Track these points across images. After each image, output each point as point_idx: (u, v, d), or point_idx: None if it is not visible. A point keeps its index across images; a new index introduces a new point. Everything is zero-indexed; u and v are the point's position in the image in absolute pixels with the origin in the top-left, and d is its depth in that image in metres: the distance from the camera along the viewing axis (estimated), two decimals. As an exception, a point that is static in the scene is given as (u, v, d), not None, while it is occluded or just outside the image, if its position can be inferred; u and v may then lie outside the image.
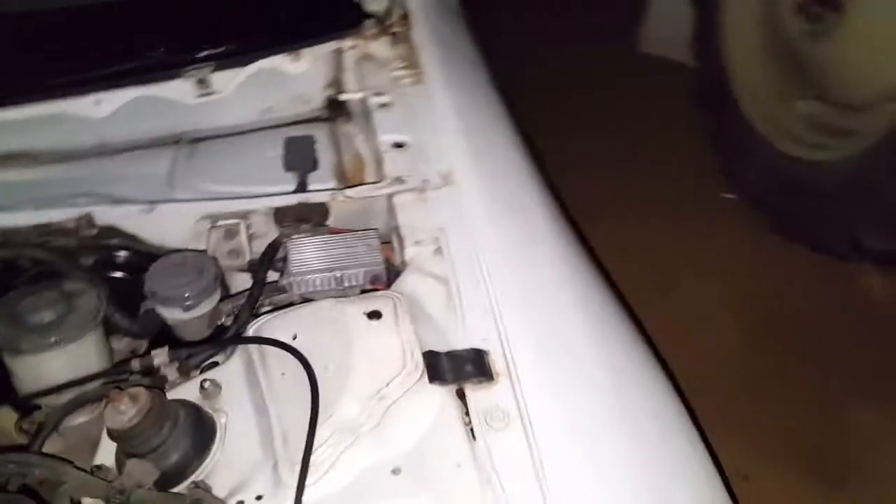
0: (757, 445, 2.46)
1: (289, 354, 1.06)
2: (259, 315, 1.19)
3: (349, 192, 1.39)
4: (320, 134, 1.69)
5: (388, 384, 1.02)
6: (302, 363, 1.03)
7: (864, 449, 2.56)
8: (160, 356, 1.11)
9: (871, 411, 2.63)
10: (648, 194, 3.39)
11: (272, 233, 1.36)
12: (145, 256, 1.30)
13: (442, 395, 1.03)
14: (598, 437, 1.04)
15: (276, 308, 1.21)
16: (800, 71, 3.12)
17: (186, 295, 1.18)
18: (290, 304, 1.23)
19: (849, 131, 2.91)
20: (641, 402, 1.14)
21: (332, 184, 1.55)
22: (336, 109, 1.80)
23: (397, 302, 1.12)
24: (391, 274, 1.27)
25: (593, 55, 4.11)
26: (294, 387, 1.03)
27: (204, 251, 1.30)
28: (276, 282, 1.29)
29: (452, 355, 1.07)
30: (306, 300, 1.23)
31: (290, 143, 1.55)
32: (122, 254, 1.33)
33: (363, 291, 1.25)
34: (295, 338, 1.09)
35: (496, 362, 1.08)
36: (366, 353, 1.05)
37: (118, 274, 1.34)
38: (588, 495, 0.97)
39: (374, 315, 1.09)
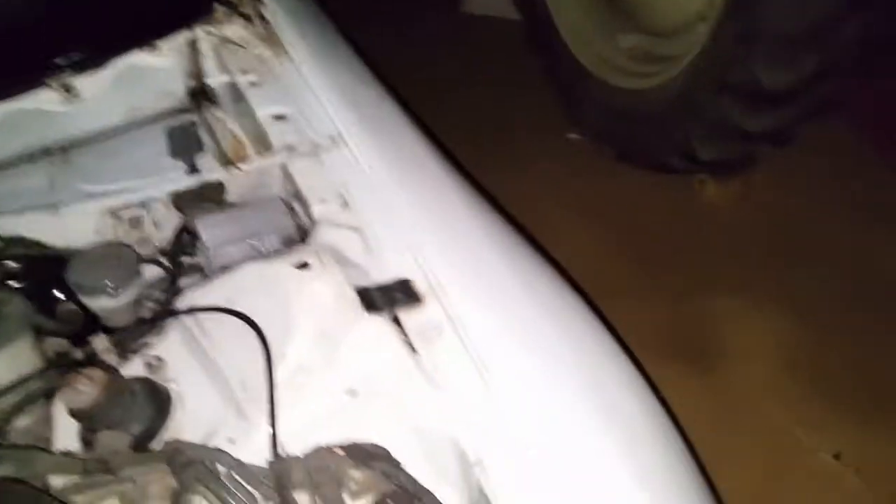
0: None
1: (227, 317, 1.13)
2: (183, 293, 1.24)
3: (244, 166, 1.44)
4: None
5: (330, 322, 1.11)
6: (242, 318, 1.10)
7: (722, 331, 2.87)
8: (100, 342, 1.14)
9: (723, 297, 2.94)
10: (500, 144, 3.57)
11: (174, 218, 1.40)
12: (51, 261, 1.31)
13: (380, 323, 1.13)
14: (523, 328, 1.17)
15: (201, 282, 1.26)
16: (617, 7, 3.39)
17: (111, 282, 1.21)
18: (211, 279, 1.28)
19: (668, 56, 3.19)
20: (548, 293, 1.28)
21: (216, 164, 1.59)
22: (201, 97, 1.83)
23: (320, 252, 1.20)
24: (303, 234, 1.35)
25: (419, 20, 4.26)
26: (240, 343, 1.10)
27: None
28: (191, 262, 1.34)
29: (382, 288, 1.17)
30: (224, 270, 1.29)
31: (173, 131, 1.58)
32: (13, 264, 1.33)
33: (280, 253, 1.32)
34: (230, 301, 1.16)
35: (420, 286, 1.19)
36: (303, 300, 1.13)
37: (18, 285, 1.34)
38: (523, 378, 1.10)
39: (303, 266, 1.17)
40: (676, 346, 2.78)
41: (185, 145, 1.54)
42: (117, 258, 1.24)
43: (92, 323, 1.25)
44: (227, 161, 1.63)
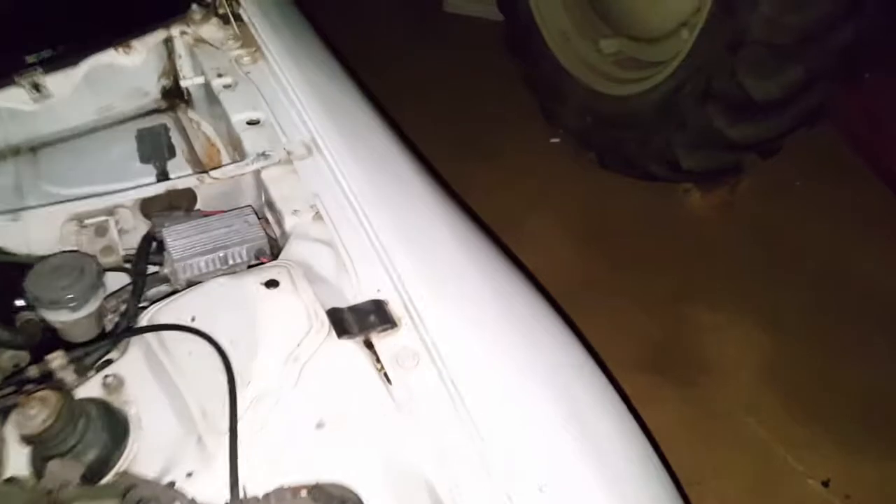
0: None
1: (191, 336, 1.08)
2: (147, 306, 1.19)
3: (215, 173, 1.39)
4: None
5: (298, 345, 1.06)
6: (206, 339, 1.05)
7: (703, 343, 2.84)
8: (57, 359, 1.09)
9: (704, 309, 2.91)
10: (479, 149, 3.53)
11: (142, 226, 1.35)
12: (13, 269, 1.25)
13: (352, 348, 1.09)
14: (501, 355, 1.13)
15: (164, 297, 1.21)
16: (600, 11, 3.35)
17: (71, 295, 1.15)
18: (177, 292, 1.23)
19: (652, 63, 3.16)
20: (525, 313, 1.24)
21: (187, 170, 1.54)
22: (175, 98, 1.78)
23: (290, 269, 1.16)
24: (274, 247, 1.30)
25: (400, 18, 4.21)
26: (203, 365, 1.05)
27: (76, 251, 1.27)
28: (157, 272, 1.29)
29: (354, 309, 1.13)
30: (193, 285, 1.24)
31: (143, 135, 1.52)
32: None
33: (250, 267, 1.27)
34: (193, 320, 1.11)
35: (396, 309, 1.14)
36: (271, 321, 1.08)
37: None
38: (500, 411, 1.06)
39: (272, 284, 1.12)
40: (656, 358, 2.75)
41: (155, 149, 1.49)
42: (79, 269, 1.18)
43: (51, 337, 1.20)
44: (199, 166, 1.59)
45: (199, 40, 1.72)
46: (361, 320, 1.11)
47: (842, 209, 3.23)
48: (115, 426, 1.02)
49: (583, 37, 3.46)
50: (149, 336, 1.11)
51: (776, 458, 2.46)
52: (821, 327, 2.82)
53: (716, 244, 3.17)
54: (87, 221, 1.30)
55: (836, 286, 2.97)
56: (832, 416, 2.56)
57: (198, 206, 1.39)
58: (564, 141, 3.57)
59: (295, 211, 1.31)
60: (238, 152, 1.49)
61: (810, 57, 2.62)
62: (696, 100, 2.87)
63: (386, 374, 1.07)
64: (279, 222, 1.32)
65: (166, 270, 1.27)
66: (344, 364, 1.07)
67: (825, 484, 2.39)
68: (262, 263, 1.26)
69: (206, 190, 1.39)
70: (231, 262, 1.27)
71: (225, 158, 1.62)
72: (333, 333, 1.09)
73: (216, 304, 1.12)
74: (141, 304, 1.22)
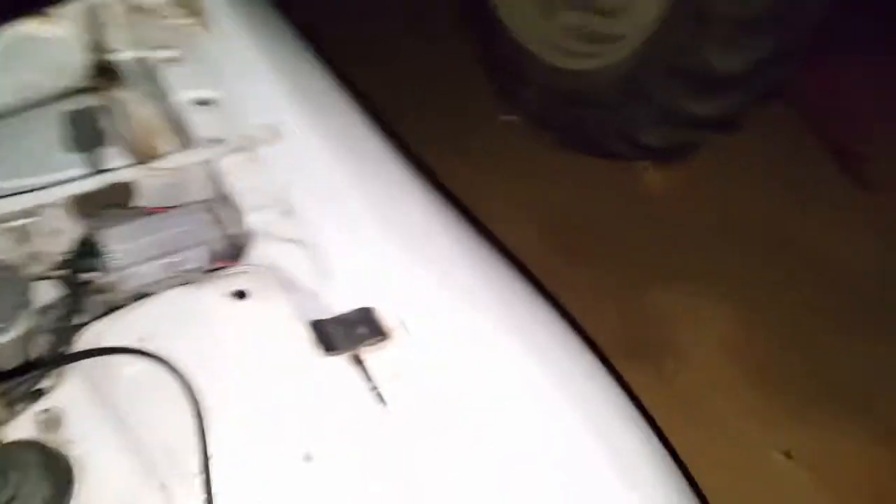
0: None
1: (141, 360, 0.90)
2: (85, 324, 1.00)
3: (160, 163, 1.20)
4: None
5: (276, 366, 0.89)
6: (161, 363, 0.87)
7: (666, 324, 2.76)
8: (-22, 395, 0.89)
9: (665, 289, 2.83)
10: (430, 126, 3.35)
11: (74, 227, 1.14)
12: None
13: (339, 366, 0.92)
14: (509, 364, 0.97)
15: (107, 312, 1.01)
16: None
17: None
18: (121, 307, 1.04)
19: (614, 36, 3.04)
20: (530, 316, 1.09)
21: (124, 160, 1.33)
22: (105, 76, 1.56)
23: (259, 275, 0.98)
24: (235, 249, 1.12)
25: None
26: (160, 394, 0.87)
27: (-4, 262, 1.06)
28: (93, 283, 1.09)
29: (339, 320, 0.96)
30: (141, 297, 1.05)
31: (70, 119, 1.31)
32: None
33: (207, 273, 1.08)
34: (142, 340, 0.92)
35: (386, 317, 0.98)
36: (241, 339, 0.91)
37: None
38: (516, 428, 0.91)
39: (239, 294, 0.95)
40: (619, 340, 2.65)
41: (86, 135, 1.28)
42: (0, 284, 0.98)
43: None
44: (136, 155, 1.38)
45: (134, 8, 1.50)
46: (348, 333, 0.94)
47: (796, 185, 3.19)
48: (57, 474, 0.83)
49: (540, 9, 3.30)
50: (90, 361, 0.92)
51: (740, 433, 2.42)
52: (782, 301, 2.78)
53: (675, 222, 3.09)
54: (5, 225, 1.09)
55: (794, 260, 2.93)
56: (795, 389, 2.53)
57: (140, 202, 1.19)
58: (520, 119, 3.43)
59: (259, 206, 1.12)
60: (184, 139, 1.30)
61: (779, 32, 2.54)
62: (660, 75, 2.77)
63: (379, 394, 0.91)
64: (240, 220, 1.13)
65: (108, 280, 1.07)
66: (331, 385, 0.90)
67: (788, 456, 2.35)
68: (221, 268, 1.08)
69: (149, 183, 1.19)
70: (186, 267, 1.08)
71: (164, 143, 1.42)
72: (317, 350, 0.92)
73: (172, 320, 0.94)
74: (78, 322, 1.03)
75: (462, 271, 1.09)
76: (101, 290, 1.07)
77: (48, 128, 1.39)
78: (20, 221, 1.10)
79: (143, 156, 1.39)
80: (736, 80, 2.64)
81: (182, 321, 0.93)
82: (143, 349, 0.90)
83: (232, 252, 1.11)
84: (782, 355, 2.63)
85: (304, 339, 0.91)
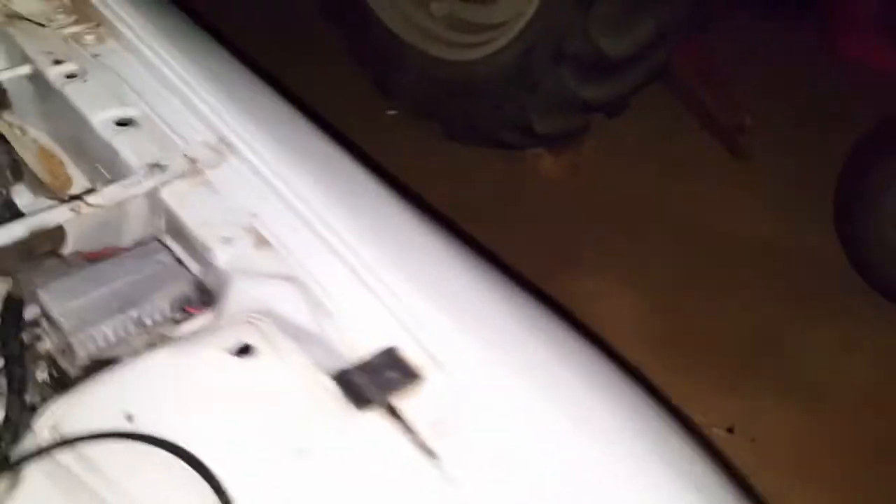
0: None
1: (127, 445, 0.73)
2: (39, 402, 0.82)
3: (93, 198, 1.00)
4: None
5: (305, 433, 0.75)
6: (177, 454, 0.71)
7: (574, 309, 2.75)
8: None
9: (573, 277, 2.80)
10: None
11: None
12: None
13: (375, 421, 0.79)
14: (552, 387, 0.87)
15: (68, 386, 0.83)
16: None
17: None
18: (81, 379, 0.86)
19: (493, 25, 2.99)
20: (545, 324, 0.99)
21: (38, 199, 1.13)
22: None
23: (259, 324, 0.83)
24: (203, 292, 0.95)
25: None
26: (162, 484, 0.71)
27: None
28: (31, 349, 0.90)
29: (365, 368, 0.82)
30: (104, 364, 0.87)
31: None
32: None
33: (177, 324, 0.92)
34: (131, 419, 0.76)
35: (411, 353, 0.85)
36: (259, 406, 0.76)
37: None
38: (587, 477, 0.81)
39: (244, 351, 0.80)
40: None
41: (-10, 174, 1.06)
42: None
43: None
44: (42, 190, 1.17)
45: (12, 15, 1.28)
46: (377, 381, 0.81)
47: (679, 161, 3.27)
48: None
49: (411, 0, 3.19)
50: (60, 455, 0.75)
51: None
52: (687, 277, 2.84)
53: (573, 207, 3.09)
54: None
55: (692, 235, 3.00)
56: (719, 363, 2.58)
57: (69, 250, 1.00)
58: (403, 113, 3.32)
59: (226, 239, 0.96)
60: (107, 168, 1.10)
61: (661, 12, 2.58)
62: (548, 62, 2.74)
63: (427, 447, 0.79)
64: (203, 258, 0.97)
65: (55, 348, 0.88)
66: (372, 446, 0.77)
67: (730, 431, 2.39)
68: (189, 315, 0.92)
69: (78, 224, 1.00)
70: (150, 321, 0.91)
71: (75, 174, 1.22)
72: (351, 406, 0.78)
73: (163, 390, 0.78)
74: (30, 402, 0.84)
75: (470, 288, 0.98)
76: (51, 360, 0.88)
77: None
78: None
79: (54, 192, 1.18)
80: (624, 61, 2.66)
81: (178, 391, 0.77)
82: (157, 437, 0.73)
83: (202, 297, 0.95)
84: (701, 331, 2.66)
85: (334, 397, 0.78)
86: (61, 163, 1.23)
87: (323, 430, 0.75)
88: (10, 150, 1.14)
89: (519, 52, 2.82)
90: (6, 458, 0.77)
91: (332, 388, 0.78)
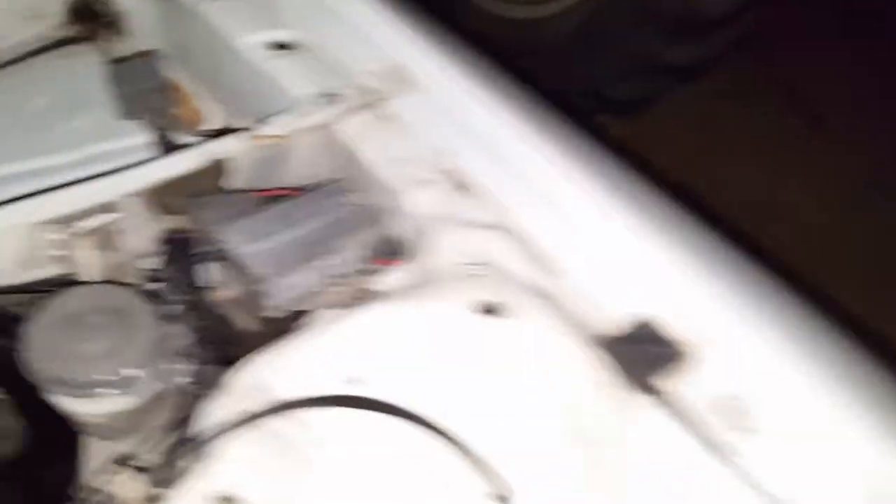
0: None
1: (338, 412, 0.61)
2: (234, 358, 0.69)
3: (264, 130, 0.86)
4: (86, 61, 1.10)
5: (577, 410, 0.62)
6: (420, 423, 0.59)
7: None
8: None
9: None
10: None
11: (148, 225, 0.80)
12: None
13: (649, 406, 0.65)
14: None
15: (264, 340, 0.70)
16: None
17: (117, 366, 0.63)
18: (280, 333, 0.73)
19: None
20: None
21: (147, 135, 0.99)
22: (91, 21, 1.18)
23: (498, 280, 0.70)
24: (391, 242, 0.82)
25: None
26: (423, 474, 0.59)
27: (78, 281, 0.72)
28: (203, 297, 0.77)
29: (627, 339, 0.69)
30: (298, 316, 0.74)
31: (120, 74, 0.94)
32: None
33: (364, 275, 0.78)
34: (351, 382, 0.63)
35: (671, 325, 0.71)
36: (514, 373, 0.64)
37: None
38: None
39: (489, 310, 0.67)
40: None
41: (142, 98, 0.92)
42: (117, 315, 0.65)
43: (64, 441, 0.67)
44: (185, 124, 1.04)
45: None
46: (645, 359, 0.68)
47: (758, 134, 3.12)
48: None
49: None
50: (276, 421, 0.62)
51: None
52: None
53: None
54: (77, 225, 0.74)
55: (767, 213, 2.86)
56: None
57: (232, 186, 0.87)
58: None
59: (419, 181, 0.83)
60: (253, 100, 0.97)
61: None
62: (631, 22, 2.58)
63: (708, 437, 0.65)
64: (390, 201, 0.83)
65: (241, 294, 0.75)
66: (650, 433, 0.64)
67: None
68: (384, 266, 0.79)
69: (247, 157, 0.86)
70: (343, 270, 0.78)
71: (210, 109, 1.08)
72: (626, 386, 0.65)
73: (392, 352, 0.65)
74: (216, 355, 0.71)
75: (716, 251, 0.83)
76: (241, 307, 0.75)
77: (42, 89, 1.02)
78: (97, 220, 0.75)
79: (188, 123, 1.05)
80: (718, 22, 2.50)
81: (413, 353, 0.64)
82: (372, 399, 0.61)
83: (390, 247, 0.82)
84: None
85: (606, 373, 0.65)
86: (189, 95, 1.09)
87: (596, 414, 0.62)
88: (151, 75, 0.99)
89: (592, 9, 2.66)
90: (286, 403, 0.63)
91: (602, 359, 0.65)
